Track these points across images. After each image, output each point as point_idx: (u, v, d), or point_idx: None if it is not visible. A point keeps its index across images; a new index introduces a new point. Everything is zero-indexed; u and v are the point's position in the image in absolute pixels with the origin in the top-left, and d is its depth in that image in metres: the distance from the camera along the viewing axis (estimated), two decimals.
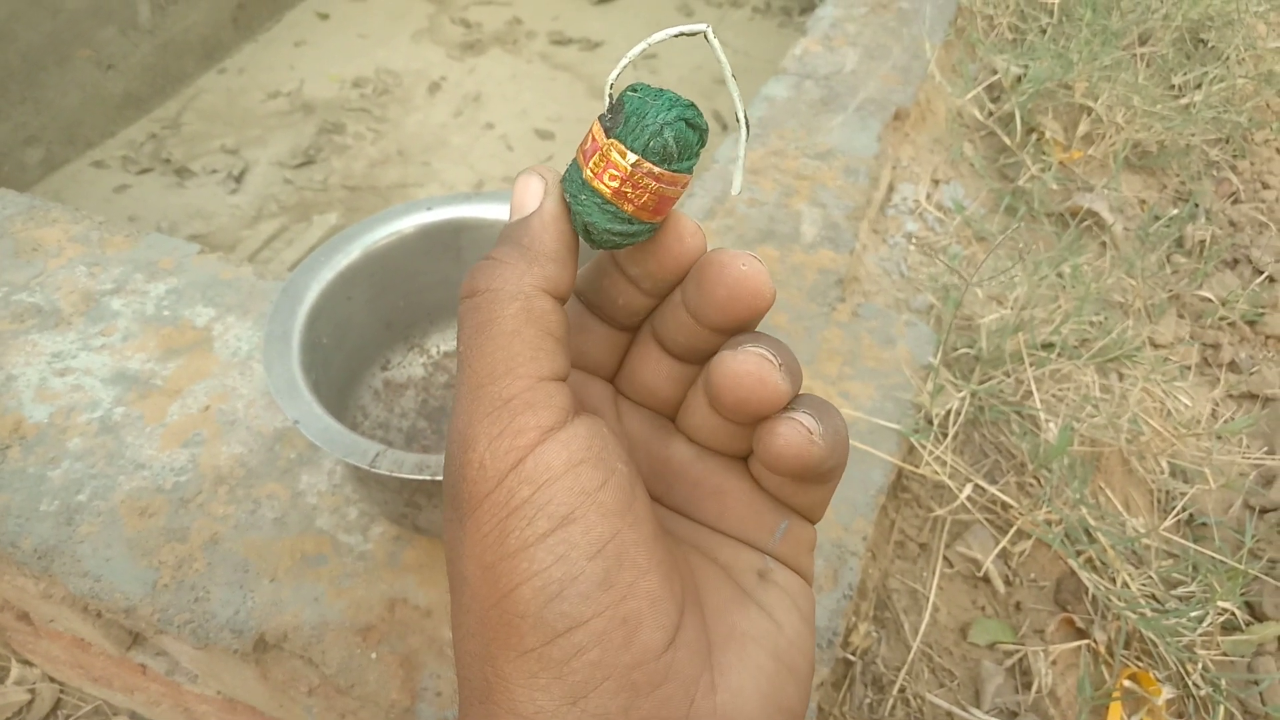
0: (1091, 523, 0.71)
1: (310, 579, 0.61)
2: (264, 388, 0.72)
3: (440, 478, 0.50)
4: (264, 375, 0.73)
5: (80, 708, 0.90)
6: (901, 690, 0.65)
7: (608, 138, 0.23)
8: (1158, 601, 0.70)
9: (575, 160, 0.24)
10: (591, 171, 0.23)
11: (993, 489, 0.72)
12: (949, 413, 0.74)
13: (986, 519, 0.73)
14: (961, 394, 0.74)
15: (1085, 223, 1.01)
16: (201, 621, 0.60)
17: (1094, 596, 0.70)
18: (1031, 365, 0.78)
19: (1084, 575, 0.69)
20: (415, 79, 2.04)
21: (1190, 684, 0.68)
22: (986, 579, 0.71)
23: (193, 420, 0.70)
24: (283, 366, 0.57)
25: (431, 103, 1.97)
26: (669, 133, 0.23)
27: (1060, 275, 0.87)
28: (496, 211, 0.68)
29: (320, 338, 0.62)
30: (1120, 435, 0.76)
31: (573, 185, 0.24)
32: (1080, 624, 0.69)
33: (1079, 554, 0.71)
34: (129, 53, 1.85)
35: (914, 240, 0.92)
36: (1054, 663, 0.67)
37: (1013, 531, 0.72)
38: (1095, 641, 0.68)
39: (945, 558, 0.71)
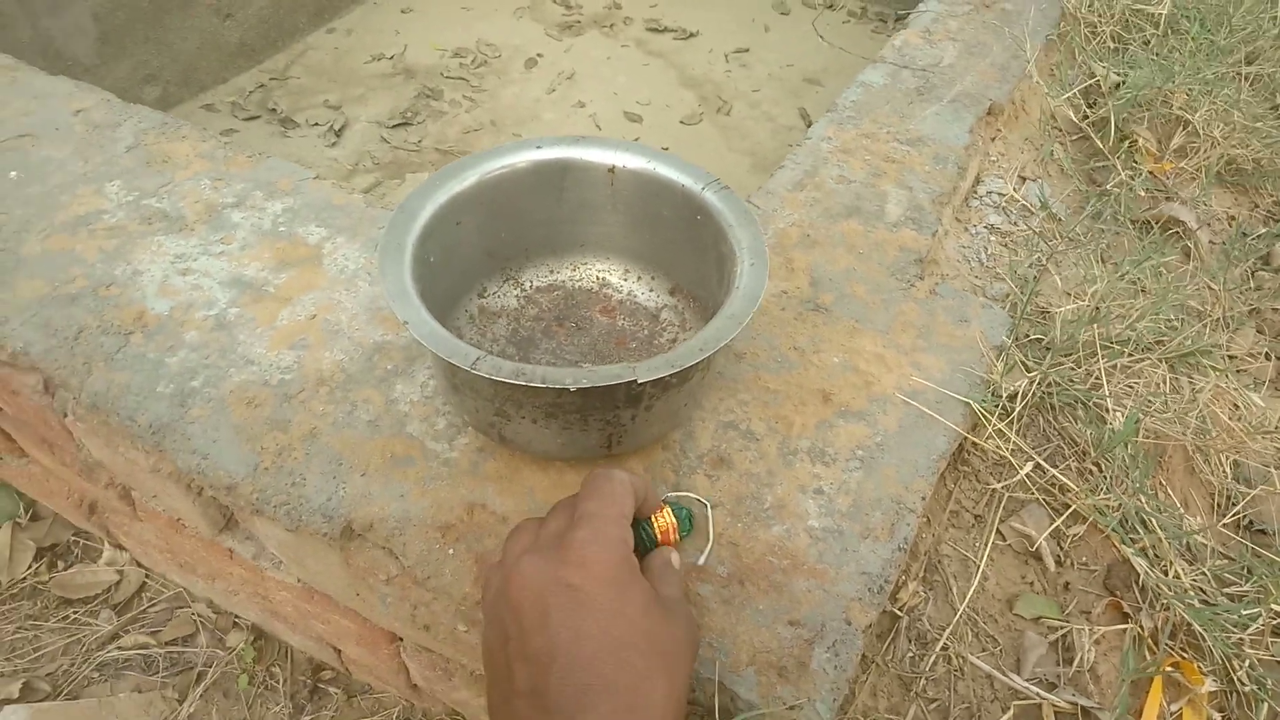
0: (1149, 512, 0.72)
1: (398, 478, 0.65)
2: (367, 304, 0.77)
3: (534, 384, 0.54)
4: (369, 293, 0.78)
5: (162, 593, 0.97)
6: (944, 649, 0.67)
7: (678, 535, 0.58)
8: (1208, 597, 0.71)
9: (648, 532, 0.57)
10: (661, 535, 0.57)
11: (1053, 470, 0.74)
12: (1017, 393, 0.75)
13: (1044, 499, 0.74)
14: (1032, 374, 0.75)
15: (1170, 231, 1.01)
16: (296, 504, 0.64)
17: (1144, 585, 0.71)
18: (1104, 357, 0.79)
19: (1137, 562, 0.71)
20: (513, 53, 2.09)
21: (1236, 680, 0.68)
22: (1038, 556, 0.72)
23: (300, 326, 0.75)
24: (395, 274, 0.61)
25: (527, 77, 2.02)
26: (685, 529, 0.59)
27: (1140, 276, 0.88)
28: (599, 156, 0.71)
29: (429, 256, 0.66)
30: (1187, 431, 0.77)
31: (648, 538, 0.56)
32: (1128, 610, 0.70)
33: (1133, 542, 0.72)
34: (247, 4, 1.95)
35: (996, 231, 0.94)
36: (1098, 642, 0.68)
37: (1069, 513, 0.73)
38: (1141, 627, 0.69)
39: (999, 531, 0.73)
